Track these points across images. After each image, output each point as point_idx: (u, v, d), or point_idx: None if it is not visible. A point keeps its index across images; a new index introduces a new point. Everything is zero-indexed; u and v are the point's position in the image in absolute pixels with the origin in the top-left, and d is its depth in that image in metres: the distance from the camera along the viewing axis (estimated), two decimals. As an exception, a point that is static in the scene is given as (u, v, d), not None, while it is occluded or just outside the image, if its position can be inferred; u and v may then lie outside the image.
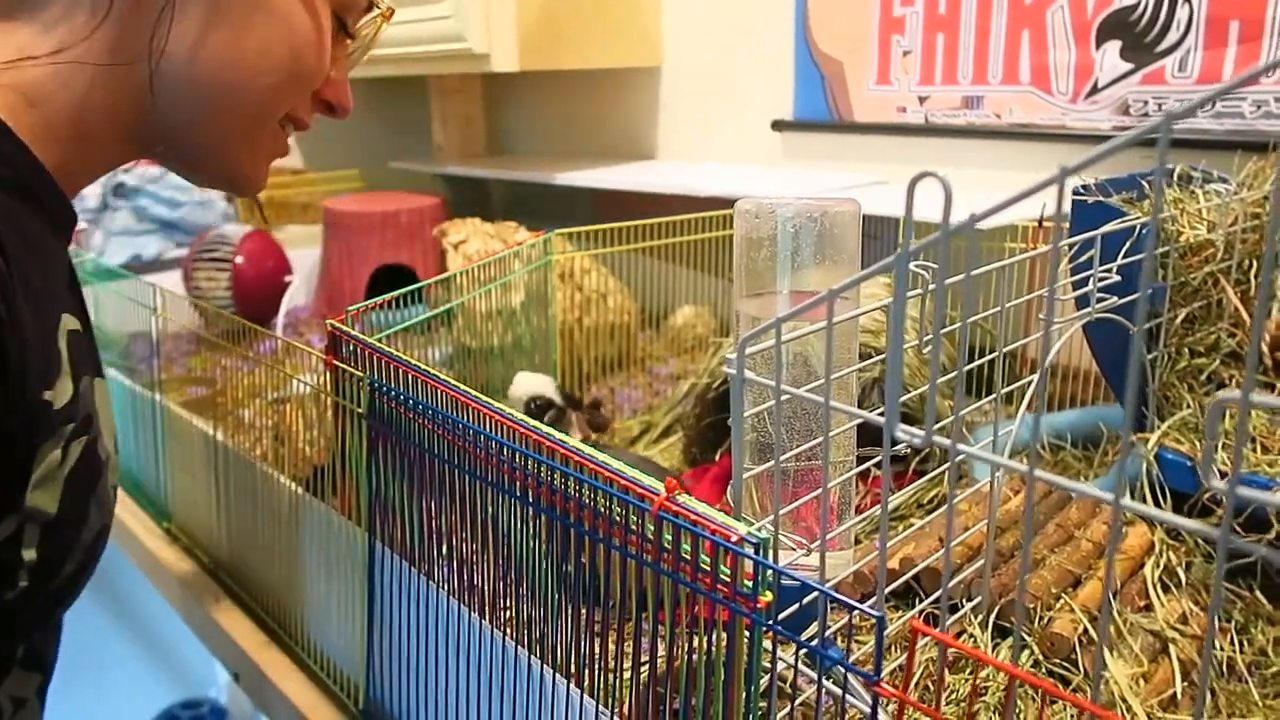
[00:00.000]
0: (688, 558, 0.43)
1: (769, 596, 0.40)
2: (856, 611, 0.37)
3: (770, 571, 0.40)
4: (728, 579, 0.41)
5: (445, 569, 0.60)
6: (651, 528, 0.44)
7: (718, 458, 1.03)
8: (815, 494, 0.50)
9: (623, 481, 0.45)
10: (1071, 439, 1.04)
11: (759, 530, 0.40)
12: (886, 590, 0.67)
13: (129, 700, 1.64)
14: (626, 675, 0.49)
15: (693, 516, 0.42)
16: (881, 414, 0.40)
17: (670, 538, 0.44)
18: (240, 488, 0.84)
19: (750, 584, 0.41)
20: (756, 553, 0.40)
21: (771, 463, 0.49)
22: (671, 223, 1.22)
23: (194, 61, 0.55)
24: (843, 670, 0.37)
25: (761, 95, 1.59)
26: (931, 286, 0.49)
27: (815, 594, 0.45)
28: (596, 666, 0.51)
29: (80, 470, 0.54)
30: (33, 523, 0.52)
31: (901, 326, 0.34)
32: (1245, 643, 0.72)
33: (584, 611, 0.50)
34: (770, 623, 0.40)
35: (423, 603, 0.62)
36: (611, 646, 0.51)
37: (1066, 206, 0.86)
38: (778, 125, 1.56)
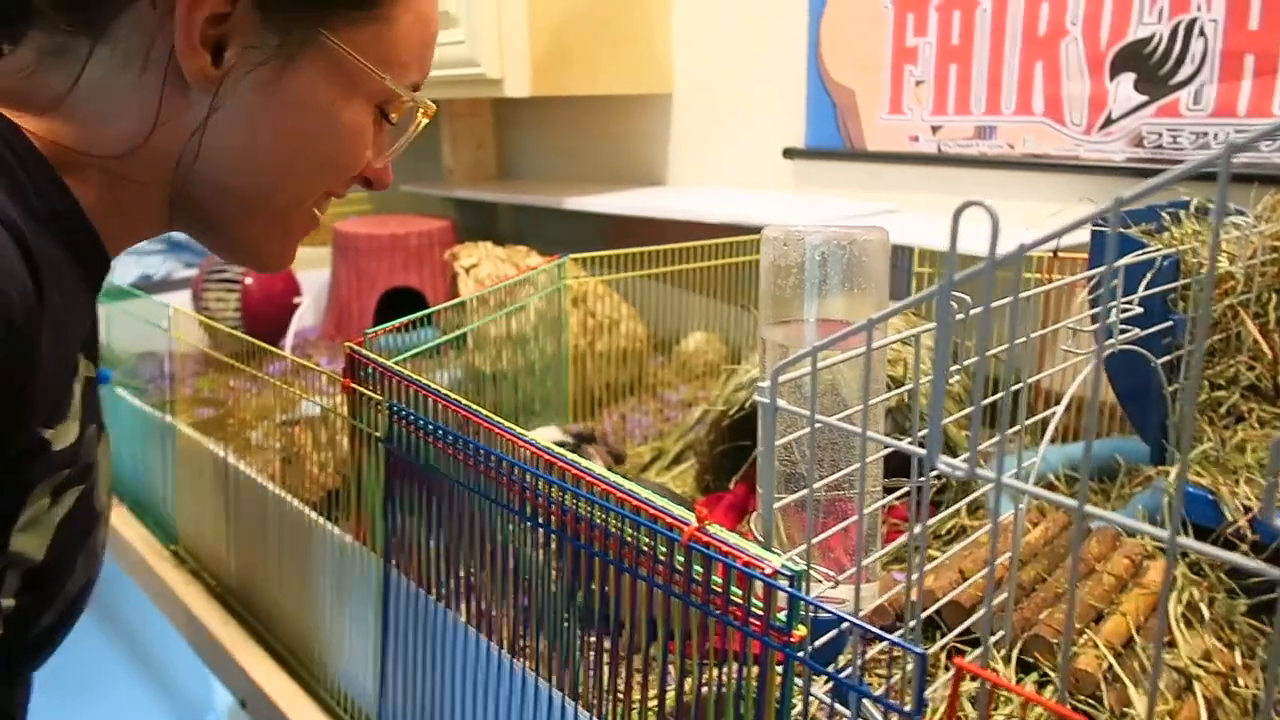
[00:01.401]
0: (718, 589, 0.42)
1: (803, 631, 0.40)
2: (886, 644, 0.36)
3: (804, 605, 0.39)
4: (760, 612, 0.41)
5: (463, 597, 0.59)
6: (681, 558, 0.44)
7: (732, 485, 1.02)
8: (846, 524, 0.49)
9: (652, 511, 0.44)
10: (1080, 490, 1.03)
11: (792, 564, 0.39)
12: (902, 623, 0.66)
13: (127, 725, 1.62)
14: (650, 706, 0.48)
15: (725, 548, 0.41)
16: (914, 444, 0.40)
17: (700, 569, 0.43)
18: (250, 510, 0.83)
19: (783, 617, 0.40)
20: (791, 585, 0.39)
21: (799, 493, 0.49)
22: (685, 249, 1.22)
23: (231, 162, 0.55)
24: (881, 708, 0.36)
25: (773, 122, 1.59)
26: (960, 316, 0.49)
27: (846, 627, 0.44)
28: (618, 698, 0.50)
29: (72, 519, 0.52)
30: (15, 568, 0.50)
31: (947, 355, 0.34)
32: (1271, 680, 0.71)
33: (606, 642, 0.50)
34: (804, 657, 0.40)
35: (439, 631, 0.61)
36: (635, 677, 0.50)
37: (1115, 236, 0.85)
38: (789, 153, 1.57)
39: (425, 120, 0.62)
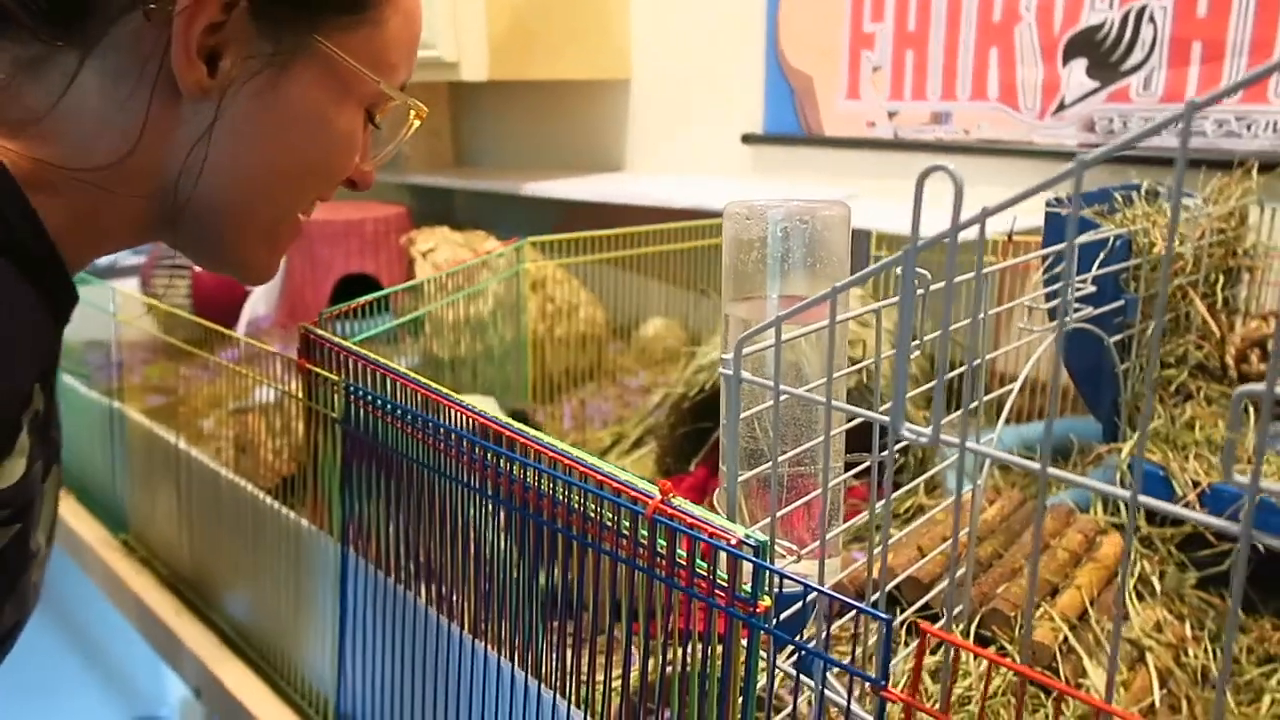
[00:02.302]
0: (683, 563, 0.42)
1: (768, 601, 0.39)
2: (848, 616, 0.36)
3: (770, 575, 0.39)
4: (725, 583, 0.40)
5: (423, 578, 0.58)
6: (645, 532, 0.43)
7: (692, 467, 1.02)
8: (809, 498, 0.49)
9: (615, 485, 0.44)
10: (1041, 450, 1.04)
11: (756, 535, 0.39)
12: (863, 600, 0.66)
13: (78, 717, 1.58)
14: (614, 683, 0.48)
15: (689, 520, 0.41)
16: (879, 414, 0.40)
17: (665, 542, 0.43)
18: (204, 497, 0.81)
19: (748, 588, 0.40)
20: (756, 556, 0.39)
21: (760, 468, 0.49)
22: (644, 233, 1.22)
23: (225, 173, 0.53)
24: (846, 677, 0.36)
25: (731, 108, 1.59)
26: (920, 291, 0.49)
27: (810, 598, 0.44)
28: (582, 675, 0.49)
29: (3, 560, 0.49)
30: None
31: (910, 324, 0.34)
32: (1219, 650, 0.73)
33: (569, 619, 0.49)
34: (770, 627, 0.39)
35: (399, 613, 0.60)
36: (599, 655, 0.50)
37: (1066, 206, 0.86)
38: (748, 138, 1.57)
39: (418, 122, 0.61)
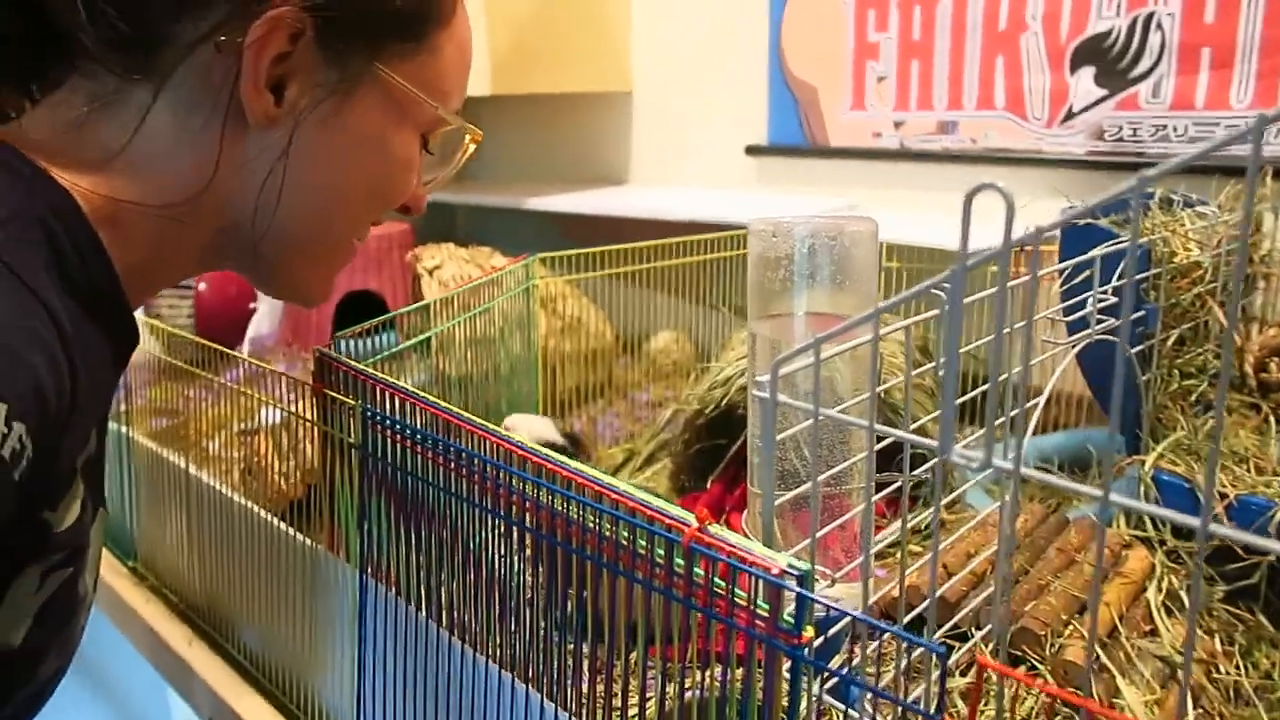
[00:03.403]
0: (721, 591, 0.41)
1: (811, 631, 0.38)
2: (885, 640, 0.35)
3: (813, 606, 0.38)
4: (766, 614, 0.39)
5: (446, 606, 0.57)
6: (681, 561, 0.42)
7: (709, 485, 1.01)
8: (845, 519, 0.48)
9: (649, 512, 0.43)
10: (1059, 462, 1.03)
11: (799, 563, 0.38)
12: (890, 618, 0.64)
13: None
14: (649, 715, 0.47)
15: (728, 549, 0.40)
16: (918, 438, 0.39)
17: (702, 571, 0.42)
18: (214, 523, 0.80)
19: (789, 617, 0.39)
20: (799, 585, 0.38)
21: (794, 491, 0.47)
22: (651, 247, 1.21)
23: (291, 200, 0.54)
24: (900, 709, 0.35)
25: (735, 120, 1.59)
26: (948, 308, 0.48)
27: (845, 622, 0.43)
28: (614, 705, 0.48)
29: (54, 604, 0.49)
30: None
31: (957, 346, 0.33)
32: (1250, 666, 0.72)
33: (600, 648, 0.48)
34: (813, 659, 0.38)
35: (422, 643, 0.59)
36: (628, 682, 0.48)
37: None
38: (751, 150, 1.56)
39: (474, 146, 0.62)
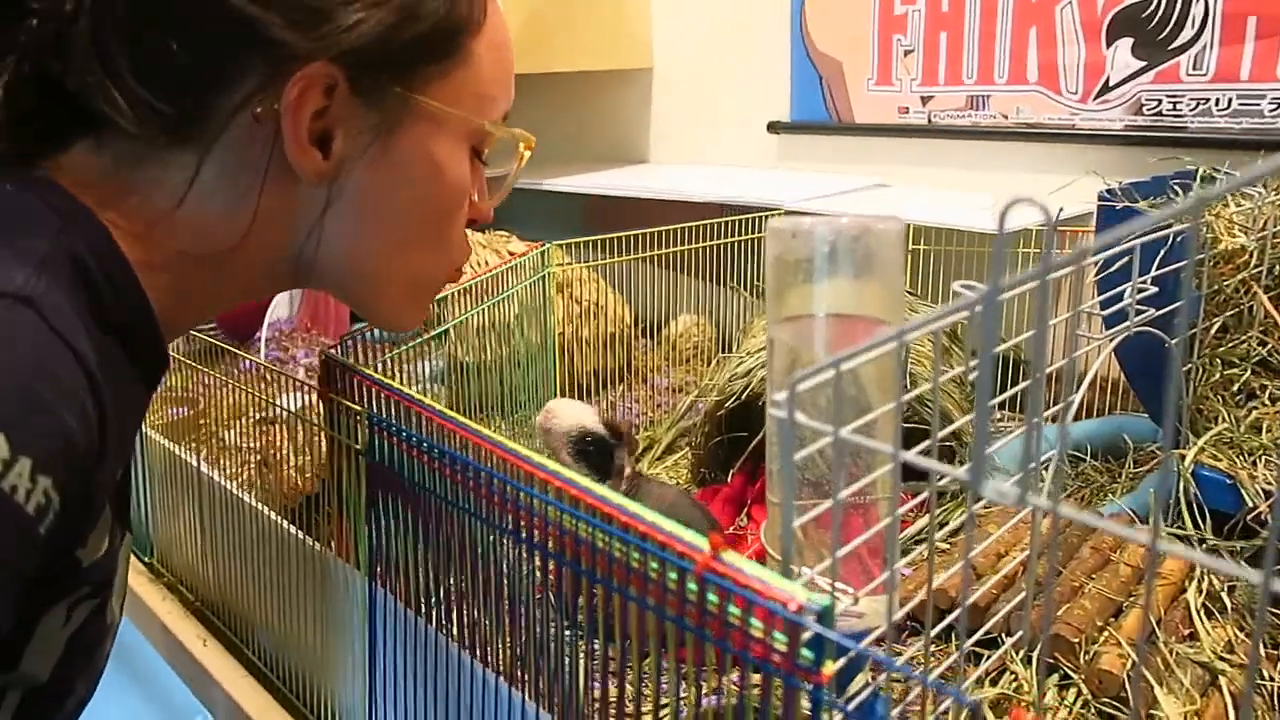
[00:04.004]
0: (735, 622, 0.39)
1: (831, 668, 0.36)
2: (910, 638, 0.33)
3: (833, 642, 0.35)
4: (783, 648, 0.37)
5: (455, 621, 0.55)
6: (694, 587, 0.40)
7: (729, 478, 0.99)
8: (868, 535, 0.46)
9: (661, 537, 0.41)
10: (1091, 450, 1.00)
11: (818, 598, 0.35)
12: (918, 621, 0.61)
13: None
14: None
15: (743, 579, 0.38)
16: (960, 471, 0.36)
17: (716, 599, 0.39)
18: (226, 522, 0.79)
19: (808, 653, 0.37)
20: (819, 622, 0.35)
21: (815, 511, 0.45)
22: (669, 232, 1.18)
23: (355, 244, 0.54)
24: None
25: (756, 96, 1.55)
26: (979, 306, 0.45)
27: (860, 650, 0.41)
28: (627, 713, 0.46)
29: (82, 635, 0.49)
30: (15, 688, 0.46)
31: (989, 374, 0.30)
32: (1295, 672, 0.69)
33: (610, 678, 0.46)
34: (834, 700, 0.36)
35: (431, 655, 0.57)
36: (641, 706, 0.46)
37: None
38: (773, 127, 1.52)
39: (528, 153, 0.61)
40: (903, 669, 0.33)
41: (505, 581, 0.52)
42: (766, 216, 1.25)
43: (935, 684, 0.31)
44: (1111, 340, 0.68)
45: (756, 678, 0.38)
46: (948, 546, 0.82)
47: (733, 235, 1.23)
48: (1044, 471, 0.80)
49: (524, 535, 0.48)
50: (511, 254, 1.28)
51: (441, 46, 0.52)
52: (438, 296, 0.93)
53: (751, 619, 0.38)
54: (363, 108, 0.50)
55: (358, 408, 0.59)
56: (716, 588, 0.39)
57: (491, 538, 0.51)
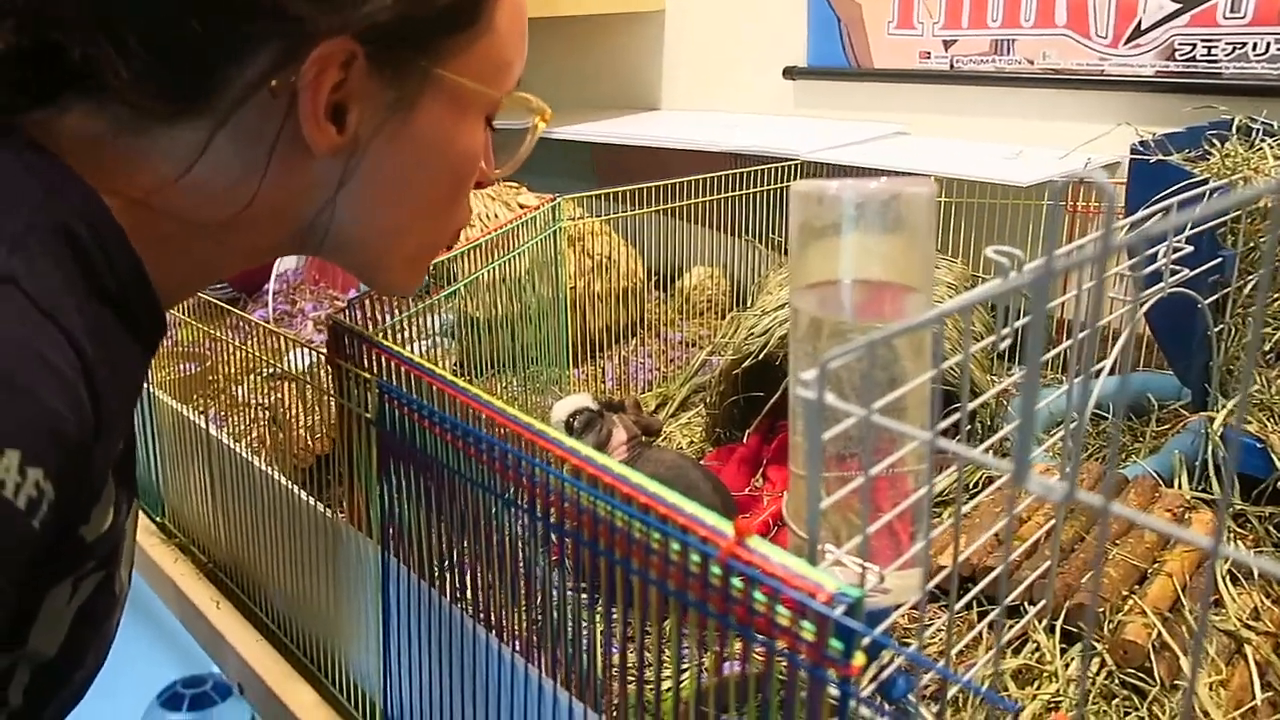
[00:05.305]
0: (760, 610, 0.37)
1: (861, 660, 0.35)
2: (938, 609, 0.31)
3: (862, 635, 0.34)
4: (811, 638, 0.36)
5: (468, 592, 0.55)
6: (717, 572, 0.39)
7: (745, 438, 0.97)
8: (896, 511, 0.45)
9: (682, 520, 0.39)
10: (1113, 409, 0.98)
11: (848, 589, 0.34)
12: (942, 591, 0.60)
13: (126, 676, 1.60)
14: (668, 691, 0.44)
15: (768, 567, 0.36)
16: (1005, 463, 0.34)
17: (740, 584, 0.38)
18: (237, 486, 0.78)
19: (837, 643, 0.35)
20: (849, 614, 0.34)
21: (839, 492, 0.44)
22: (682, 184, 1.15)
23: (369, 219, 0.53)
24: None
25: (772, 41, 1.50)
26: (1014, 276, 0.43)
27: (896, 649, 0.40)
28: (631, 704, 0.46)
29: (90, 609, 0.48)
30: (25, 664, 0.46)
31: (1038, 365, 0.28)
32: (1322, 639, 0.67)
33: (622, 649, 0.45)
34: (861, 694, 0.35)
35: (443, 625, 0.56)
36: (657, 685, 0.46)
37: None
38: (790, 73, 1.48)
39: (542, 125, 0.60)
40: (942, 670, 0.31)
41: (523, 559, 0.51)
42: (782, 167, 1.22)
43: (984, 692, 0.30)
44: (1143, 304, 0.65)
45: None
46: (966, 511, 0.81)
47: (747, 187, 1.19)
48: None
49: (541, 514, 0.47)
50: (522, 206, 1.26)
51: (463, 17, 0.50)
52: (448, 256, 0.91)
53: (778, 607, 0.37)
54: (381, 84, 0.49)
55: (367, 375, 0.57)
56: (741, 575, 0.37)
57: (505, 511, 0.50)
